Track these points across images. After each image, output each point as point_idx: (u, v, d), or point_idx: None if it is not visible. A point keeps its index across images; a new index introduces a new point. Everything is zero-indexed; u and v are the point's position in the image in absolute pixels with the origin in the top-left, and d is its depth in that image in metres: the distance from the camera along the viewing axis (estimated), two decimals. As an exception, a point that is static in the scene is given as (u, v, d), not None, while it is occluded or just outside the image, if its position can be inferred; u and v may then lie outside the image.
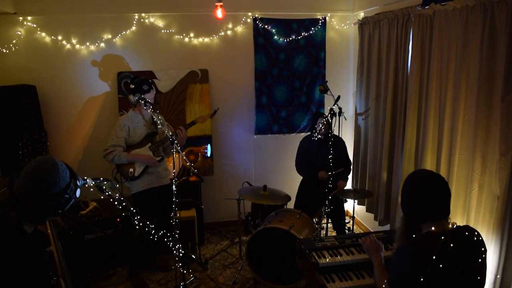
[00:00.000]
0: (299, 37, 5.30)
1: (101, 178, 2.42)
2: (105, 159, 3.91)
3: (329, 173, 4.08)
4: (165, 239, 2.68)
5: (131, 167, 3.98)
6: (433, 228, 2.08)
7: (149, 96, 3.93)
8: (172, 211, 4.21)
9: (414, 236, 2.14)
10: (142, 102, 3.76)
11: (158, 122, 3.82)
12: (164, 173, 4.21)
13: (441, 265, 1.94)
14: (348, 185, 5.39)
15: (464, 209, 3.25)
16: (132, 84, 3.92)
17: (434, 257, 1.95)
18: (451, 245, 1.97)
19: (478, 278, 2.04)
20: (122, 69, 4.90)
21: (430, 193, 2.09)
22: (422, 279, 1.95)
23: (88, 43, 4.83)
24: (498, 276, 2.95)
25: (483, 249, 2.06)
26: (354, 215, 4.42)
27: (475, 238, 2.06)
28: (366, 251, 2.72)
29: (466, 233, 2.06)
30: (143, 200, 4.06)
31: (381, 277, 2.41)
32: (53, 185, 1.80)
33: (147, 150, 4.04)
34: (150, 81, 4.06)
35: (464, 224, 2.60)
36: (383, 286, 2.30)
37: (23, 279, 1.73)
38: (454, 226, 2.10)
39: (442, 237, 2.00)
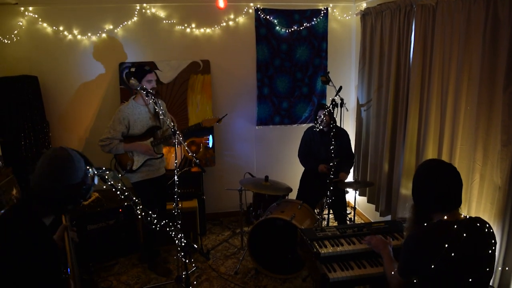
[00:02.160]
0: (301, 28, 5.28)
1: (104, 168, 2.43)
2: (101, 149, 3.87)
3: (330, 163, 4.10)
4: (168, 229, 2.70)
5: (129, 160, 3.94)
6: (445, 217, 2.08)
7: (151, 77, 3.85)
8: (168, 200, 4.23)
9: (425, 224, 2.14)
10: (144, 92, 3.61)
11: (160, 112, 3.81)
12: (162, 164, 4.19)
13: (453, 254, 1.95)
14: (350, 176, 5.41)
15: (465, 199, 3.25)
16: (132, 68, 3.85)
17: (446, 245, 1.96)
18: (464, 234, 1.98)
19: (487, 269, 2.05)
20: (124, 59, 4.90)
21: (443, 183, 2.09)
22: (433, 266, 1.96)
23: (89, 34, 4.82)
24: (499, 268, 2.96)
25: (493, 241, 2.07)
26: (356, 206, 4.43)
27: (486, 230, 2.07)
28: (375, 249, 2.72)
29: (478, 224, 2.07)
30: (143, 189, 4.03)
31: (390, 267, 2.41)
32: (71, 176, 1.80)
33: (149, 144, 3.98)
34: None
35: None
36: (392, 273, 2.32)
37: (34, 270, 1.72)
38: (467, 217, 2.11)
39: (455, 226, 2.01)
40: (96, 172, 1.96)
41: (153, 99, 3.61)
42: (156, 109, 3.86)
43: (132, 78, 3.79)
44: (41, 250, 1.75)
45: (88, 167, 1.90)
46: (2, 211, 1.86)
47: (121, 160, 3.96)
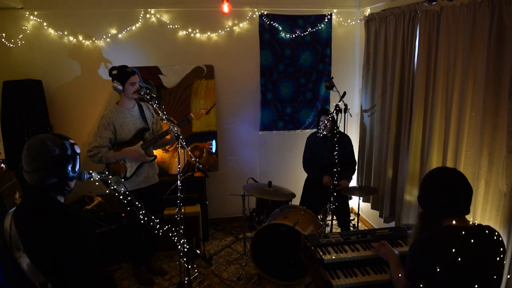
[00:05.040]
0: (305, 33, 5.28)
1: (107, 172, 2.43)
2: (91, 160, 3.69)
3: (334, 169, 4.09)
4: (170, 234, 2.69)
5: (122, 167, 3.79)
6: (454, 222, 2.08)
7: (135, 79, 3.77)
8: (159, 210, 4.16)
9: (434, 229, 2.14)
10: (148, 97, 3.58)
11: (155, 116, 3.77)
12: (152, 173, 4.03)
13: (459, 259, 1.94)
14: (353, 182, 5.38)
15: (470, 206, 3.22)
16: (114, 70, 3.75)
17: (453, 250, 1.95)
18: (472, 240, 1.98)
19: (495, 277, 2.03)
20: (128, 64, 4.89)
21: (456, 187, 2.09)
22: (438, 270, 1.95)
23: (94, 38, 4.83)
24: (507, 276, 2.92)
25: (501, 249, 2.06)
26: (359, 212, 4.41)
27: (495, 238, 2.06)
28: (383, 257, 2.74)
29: (487, 232, 2.07)
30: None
31: (397, 271, 2.42)
32: (48, 152, 1.93)
33: (139, 148, 3.85)
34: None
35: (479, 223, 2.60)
36: (399, 275, 2.31)
37: (75, 238, 1.88)
38: (476, 223, 2.10)
39: (463, 232, 2.00)
40: (74, 142, 2.07)
41: (156, 104, 3.57)
42: (141, 111, 3.85)
43: (115, 81, 3.73)
44: (68, 221, 1.92)
45: (64, 141, 2.02)
46: (19, 204, 2.02)
47: (113, 169, 3.79)
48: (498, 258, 2.03)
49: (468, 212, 2.12)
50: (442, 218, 2.15)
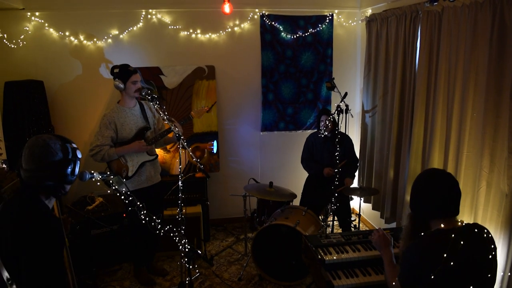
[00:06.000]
0: (306, 34, 5.28)
1: (108, 173, 2.43)
2: (93, 159, 3.68)
3: (335, 169, 4.08)
4: (171, 235, 2.69)
5: (123, 167, 3.77)
6: (442, 226, 2.07)
7: (136, 78, 3.77)
8: (160, 209, 4.15)
9: (423, 233, 2.12)
10: (149, 97, 3.56)
11: (156, 116, 3.76)
12: (154, 172, 4.02)
13: (452, 263, 1.93)
14: (355, 183, 5.38)
15: (471, 207, 3.22)
16: (116, 69, 3.76)
17: (445, 255, 1.94)
18: (462, 242, 1.97)
19: (489, 275, 2.03)
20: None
21: (443, 189, 2.09)
22: (432, 277, 1.94)
23: (95, 39, 4.84)
24: (508, 274, 2.92)
25: (492, 246, 2.05)
26: (360, 213, 4.40)
27: (485, 235, 2.06)
28: (375, 246, 2.62)
29: (476, 230, 2.06)
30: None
31: (391, 274, 2.39)
32: (51, 155, 1.95)
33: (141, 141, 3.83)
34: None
35: (472, 222, 2.59)
36: (394, 283, 2.29)
37: (39, 243, 1.87)
38: (463, 224, 2.09)
39: (452, 235, 1.99)
40: (76, 147, 2.09)
41: (157, 105, 3.57)
42: (142, 110, 3.86)
43: (116, 79, 3.74)
44: (41, 225, 1.91)
45: (67, 144, 2.03)
46: (8, 199, 2.03)
47: (115, 169, 3.77)
48: (490, 256, 2.02)
49: (457, 214, 2.11)
50: (431, 219, 2.15)
